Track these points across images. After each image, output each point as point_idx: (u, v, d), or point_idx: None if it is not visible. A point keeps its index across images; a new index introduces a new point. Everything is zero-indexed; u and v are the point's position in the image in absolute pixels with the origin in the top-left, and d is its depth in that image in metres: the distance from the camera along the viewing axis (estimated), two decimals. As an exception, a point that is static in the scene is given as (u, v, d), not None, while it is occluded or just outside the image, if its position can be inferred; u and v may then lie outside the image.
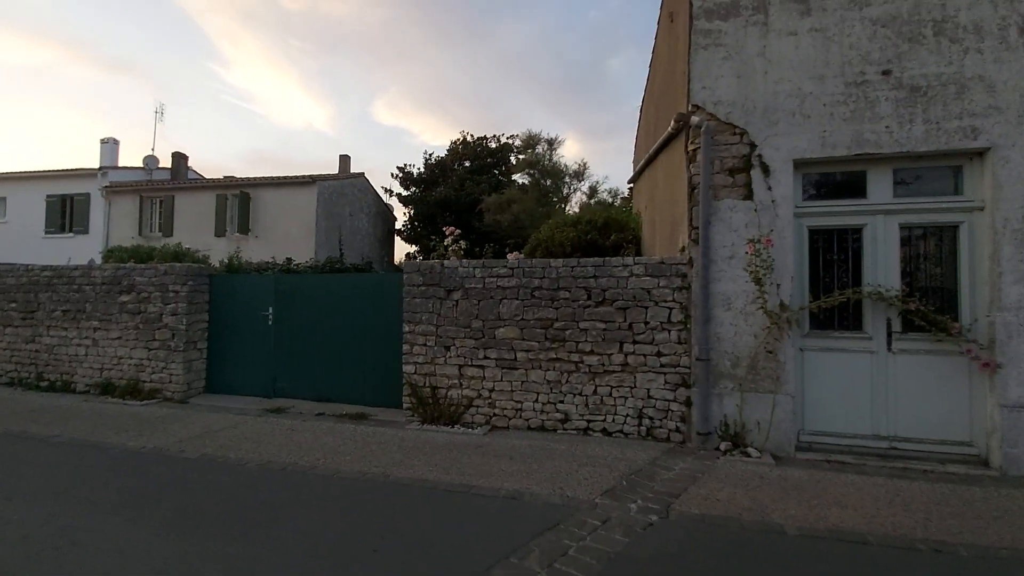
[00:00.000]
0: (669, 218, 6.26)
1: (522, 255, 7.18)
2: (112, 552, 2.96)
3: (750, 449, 4.69)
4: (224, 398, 7.10)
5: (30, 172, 19.67)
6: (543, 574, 2.75)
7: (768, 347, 4.76)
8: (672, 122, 5.35)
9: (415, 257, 23.37)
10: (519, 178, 19.75)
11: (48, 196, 19.03)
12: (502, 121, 71.16)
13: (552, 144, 18.27)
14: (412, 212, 21.17)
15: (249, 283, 7.37)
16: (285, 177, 17.39)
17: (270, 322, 7.10)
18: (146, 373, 7.14)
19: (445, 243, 6.75)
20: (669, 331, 5.17)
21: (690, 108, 5.13)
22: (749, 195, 4.95)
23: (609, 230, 8.64)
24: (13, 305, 7.89)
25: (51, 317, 7.66)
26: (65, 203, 18.99)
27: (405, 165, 21.80)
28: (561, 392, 5.46)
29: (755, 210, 4.92)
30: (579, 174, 18.02)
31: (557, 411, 5.47)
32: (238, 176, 18.38)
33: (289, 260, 8.75)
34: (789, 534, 3.27)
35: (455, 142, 23.32)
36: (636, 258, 5.40)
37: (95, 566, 2.82)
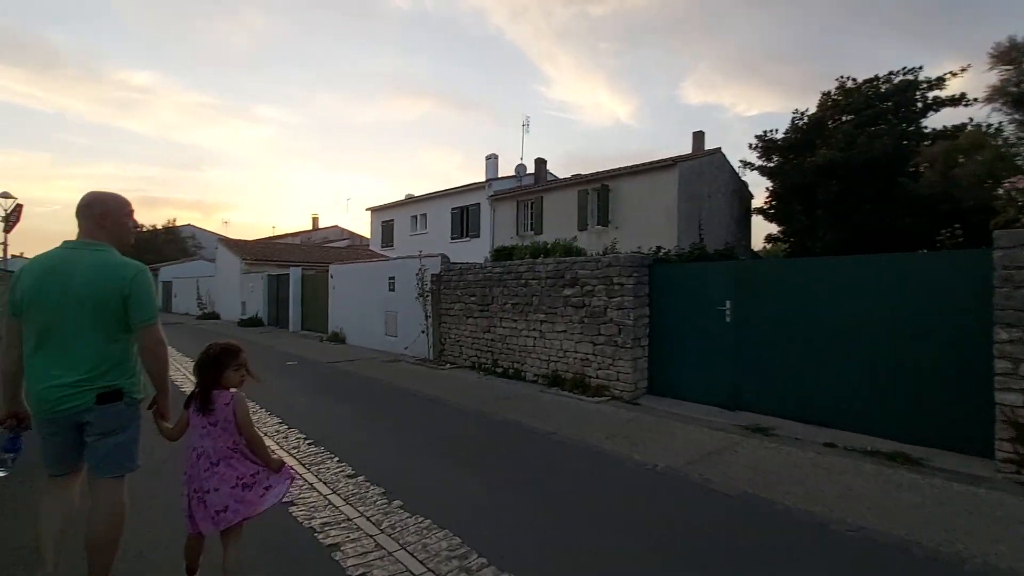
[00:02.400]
0: None
1: None
2: None
3: None
4: (674, 403, 6.31)
5: (439, 192, 24.89)
6: None
7: None
8: None
9: (778, 239, 20.07)
10: (975, 114, 14.00)
11: (452, 208, 23.64)
12: (839, 68, 57.87)
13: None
14: (777, 185, 18.04)
15: (697, 273, 6.41)
16: (643, 164, 16.93)
17: (728, 319, 5.94)
18: (591, 368, 6.97)
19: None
20: None
21: None
22: None
23: None
24: (473, 299, 9.03)
25: (503, 309, 8.40)
26: (463, 213, 23.24)
27: (765, 132, 18.75)
28: None
29: None
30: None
31: None
32: (596, 171, 18.97)
33: (658, 248, 7.69)
34: None
35: (826, 95, 18.89)
36: None
37: None
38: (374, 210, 28.59)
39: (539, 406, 6.40)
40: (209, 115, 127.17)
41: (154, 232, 41.07)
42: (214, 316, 23.52)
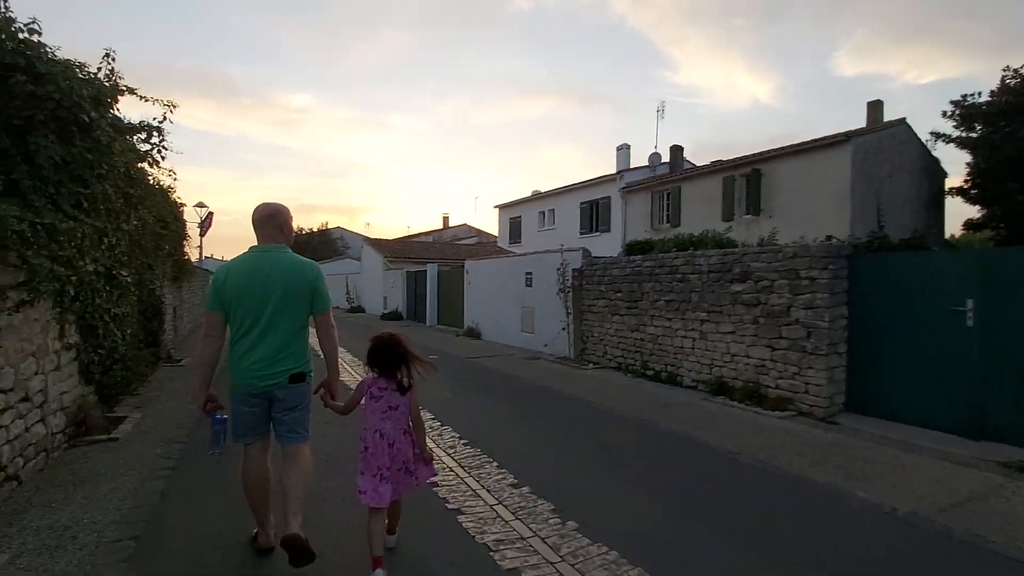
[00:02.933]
0: None
1: None
2: None
3: None
4: (885, 425, 5.13)
5: (567, 186, 24.44)
6: None
7: None
8: None
9: (982, 225, 16.41)
10: None
11: (581, 203, 23.08)
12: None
13: None
14: (982, 160, 14.71)
15: (922, 265, 5.17)
16: (806, 142, 14.84)
17: (969, 322, 4.65)
18: (769, 377, 5.99)
19: None
20: None
21: None
22: None
23: None
24: (619, 295, 8.41)
25: (654, 307, 7.66)
26: (592, 207, 22.57)
27: (963, 97, 15.43)
28: None
29: None
30: None
31: None
32: (742, 155, 17.09)
33: (829, 238, 6.29)
34: None
35: (1054, 42, 14.97)
36: None
37: None
38: (502, 207, 29.02)
39: (707, 417, 5.63)
40: (351, 128, 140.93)
41: (311, 235, 46.21)
42: (359, 310, 25.60)
